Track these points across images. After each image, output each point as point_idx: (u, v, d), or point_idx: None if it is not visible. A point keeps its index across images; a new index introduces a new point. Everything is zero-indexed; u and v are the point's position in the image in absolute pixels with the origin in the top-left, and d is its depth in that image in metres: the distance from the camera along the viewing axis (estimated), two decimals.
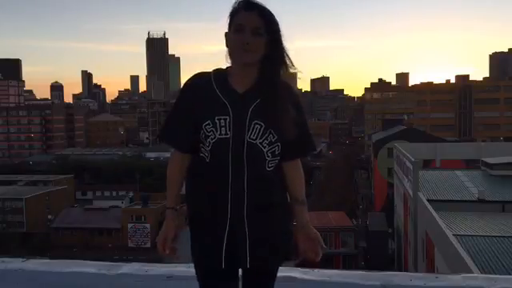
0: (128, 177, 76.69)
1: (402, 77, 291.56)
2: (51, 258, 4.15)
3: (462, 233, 18.23)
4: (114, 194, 76.69)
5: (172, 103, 2.24)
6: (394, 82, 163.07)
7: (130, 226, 57.98)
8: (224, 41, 2.08)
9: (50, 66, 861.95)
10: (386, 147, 54.63)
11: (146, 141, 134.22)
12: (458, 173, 31.21)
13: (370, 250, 41.04)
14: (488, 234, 18.16)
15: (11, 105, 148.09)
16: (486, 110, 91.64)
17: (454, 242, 15.71)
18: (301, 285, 3.13)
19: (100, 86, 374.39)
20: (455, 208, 23.25)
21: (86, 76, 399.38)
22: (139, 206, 60.89)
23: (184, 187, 2.18)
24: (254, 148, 2.00)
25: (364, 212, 59.13)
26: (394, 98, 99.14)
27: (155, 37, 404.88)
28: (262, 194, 2.02)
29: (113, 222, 58.93)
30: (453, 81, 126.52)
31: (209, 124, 2.01)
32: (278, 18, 2.04)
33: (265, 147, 2.01)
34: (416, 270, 23.46)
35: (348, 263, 41.49)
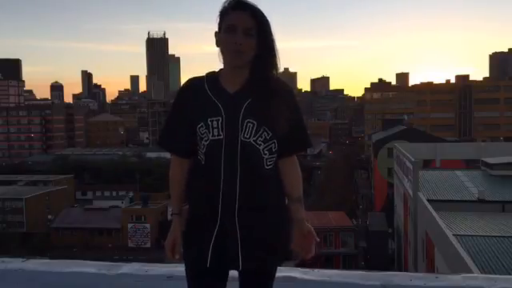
0: (128, 177, 76.73)
1: (402, 77, 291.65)
2: (51, 258, 4.14)
3: (462, 233, 18.22)
4: (114, 193, 76.73)
5: (171, 105, 2.25)
6: (394, 82, 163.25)
7: (130, 225, 58.00)
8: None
9: (50, 65, 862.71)
10: (385, 147, 54.64)
11: (145, 141, 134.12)
12: (458, 173, 31.21)
13: (370, 249, 41.04)
14: (488, 234, 18.15)
15: (11, 105, 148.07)
16: (485, 110, 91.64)
17: (454, 242, 15.71)
18: (301, 285, 3.13)
19: (100, 86, 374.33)
20: (455, 208, 23.24)
21: (86, 76, 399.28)
22: (139, 206, 60.93)
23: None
24: (249, 147, 1.99)
25: (364, 212, 59.16)
26: (394, 98, 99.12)
27: (155, 37, 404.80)
28: (256, 195, 2.01)
29: (113, 222, 58.93)
30: (453, 81, 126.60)
31: (202, 126, 2.01)
32: (268, 18, 2.02)
33: (260, 145, 2.00)
34: (416, 270, 23.46)
35: (348, 263, 41.54)
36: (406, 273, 3.36)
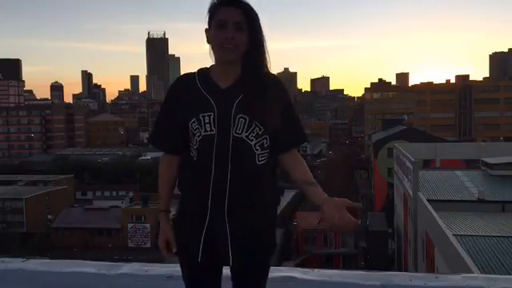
0: (128, 177, 76.68)
1: (402, 77, 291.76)
2: (51, 257, 4.14)
3: (462, 233, 18.21)
4: (114, 194, 76.61)
5: (162, 103, 2.25)
6: (394, 82, 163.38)
7: (130, 226, 57.92)
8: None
9: (50, 65, 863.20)
10: (385, 147, 54.62)
11: (145, 141, 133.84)
12: (458, 173, 31.20)
13: (370, 249, 41.01)
14: (488, 234, 18.14)
15: (11, 105, 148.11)
16: (485, 110, 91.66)
17: (454, 242, 15.69)
18: (301, 285, 3.12)
19: (100, 86, 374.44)
20: (455, 208, 23.23)
21: (86, 76, 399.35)
22: (139, 206, 60.83)
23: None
24: (241, 142, 1.99)
25: (364, 212, 59.11)
26: (394, 98, 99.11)
27: (155, 37, 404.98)
28: (247, 191, 2.00)
29: (113, 222, 58.86)
30: (453, 81, 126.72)
31: (194, 122, 2.01)
32: (257, 13, 2.03)
33: (252, 140, 2.00)
34: (416, 270, 23.45)
35: (348, 263, 41.53)
36: (405, 273, 3.35)
